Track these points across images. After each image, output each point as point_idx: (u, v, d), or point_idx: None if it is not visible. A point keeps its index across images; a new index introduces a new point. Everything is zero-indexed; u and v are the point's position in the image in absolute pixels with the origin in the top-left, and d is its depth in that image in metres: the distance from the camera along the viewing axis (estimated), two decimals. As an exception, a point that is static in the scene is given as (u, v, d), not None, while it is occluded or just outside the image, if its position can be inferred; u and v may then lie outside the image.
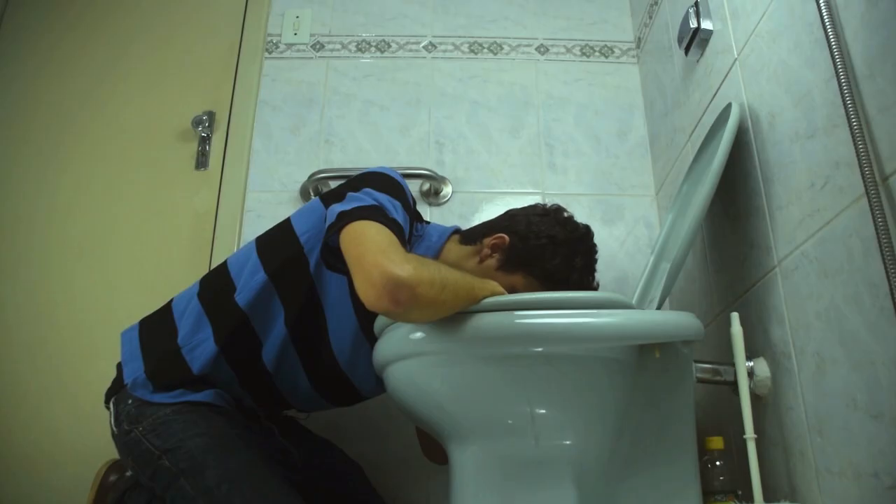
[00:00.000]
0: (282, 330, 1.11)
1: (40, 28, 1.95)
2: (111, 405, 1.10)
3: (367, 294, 0.88)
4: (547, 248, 1.14)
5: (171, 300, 1.19)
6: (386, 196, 1.05)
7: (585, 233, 1.21)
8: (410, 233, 1.12)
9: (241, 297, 1.11)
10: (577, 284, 1.16)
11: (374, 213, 0.98)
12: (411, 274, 0.86)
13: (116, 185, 1.78)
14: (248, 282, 1.11)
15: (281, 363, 1.13)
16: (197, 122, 1.78)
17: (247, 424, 1.12)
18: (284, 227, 1.16)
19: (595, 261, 1.21)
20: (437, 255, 1.18)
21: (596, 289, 1.21)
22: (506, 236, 1.15)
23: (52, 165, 1.79)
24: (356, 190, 1.07)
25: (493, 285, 0.99)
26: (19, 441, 1.54)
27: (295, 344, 1.12)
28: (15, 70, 1.90)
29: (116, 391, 1.10)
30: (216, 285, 1.16)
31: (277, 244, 1.15)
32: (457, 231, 1.24)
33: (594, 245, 1.21)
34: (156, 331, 1.15)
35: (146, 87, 1.89)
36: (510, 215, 1.22)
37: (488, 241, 1.16)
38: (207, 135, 1.80)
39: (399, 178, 1.14)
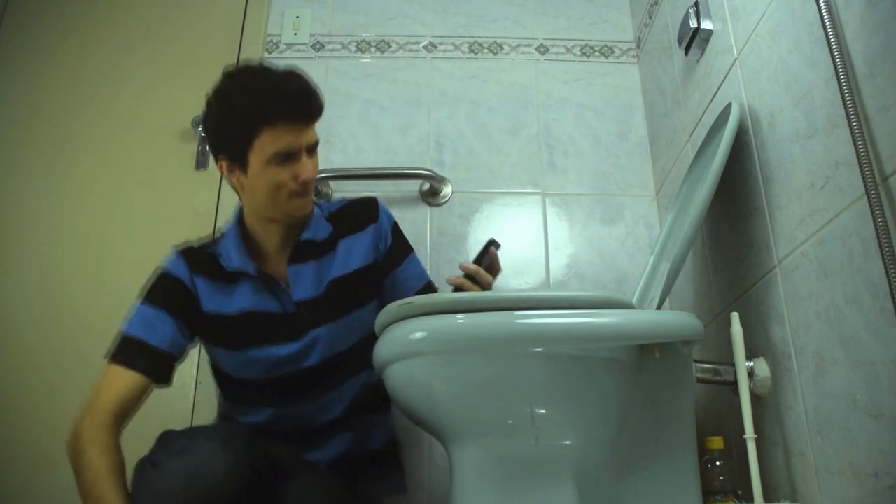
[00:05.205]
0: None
1: (40, 29, 1.95)
2: None
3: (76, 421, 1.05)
4: (230, 117, 1.12)
5: None
6: (151, 308, 1.15)
7: (244, 67, 1.18)
8: (194, 310, 1.18)
9: None
10: (275, 97, 1.09)
11: (125, 353, 1.11)
12: (78, 441, 1.06)
13: (116, 185, 1.78)
14: None
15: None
16: (197, 122, 1.78)
17: None
18: None
19: (275, 73, 1.13)
20: (239, 235, 1.21)
21: (299, 78, 1.13)
22: (220, 160, 1.16)
23: (53, 166, 1.80)
24: (142, 298, 1.18)
25: None
26: (19, 441, 1.54)
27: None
28: (15, 70, 1.90)
29: None
30: None
31: None
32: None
33: (257, 67, 1.17)
34: None
35: (146, 87, 1.89)
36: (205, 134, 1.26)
37: (223, 172, 1.17)
38: (207, 135, 1.80)
39: (171, 271, 1.21)
